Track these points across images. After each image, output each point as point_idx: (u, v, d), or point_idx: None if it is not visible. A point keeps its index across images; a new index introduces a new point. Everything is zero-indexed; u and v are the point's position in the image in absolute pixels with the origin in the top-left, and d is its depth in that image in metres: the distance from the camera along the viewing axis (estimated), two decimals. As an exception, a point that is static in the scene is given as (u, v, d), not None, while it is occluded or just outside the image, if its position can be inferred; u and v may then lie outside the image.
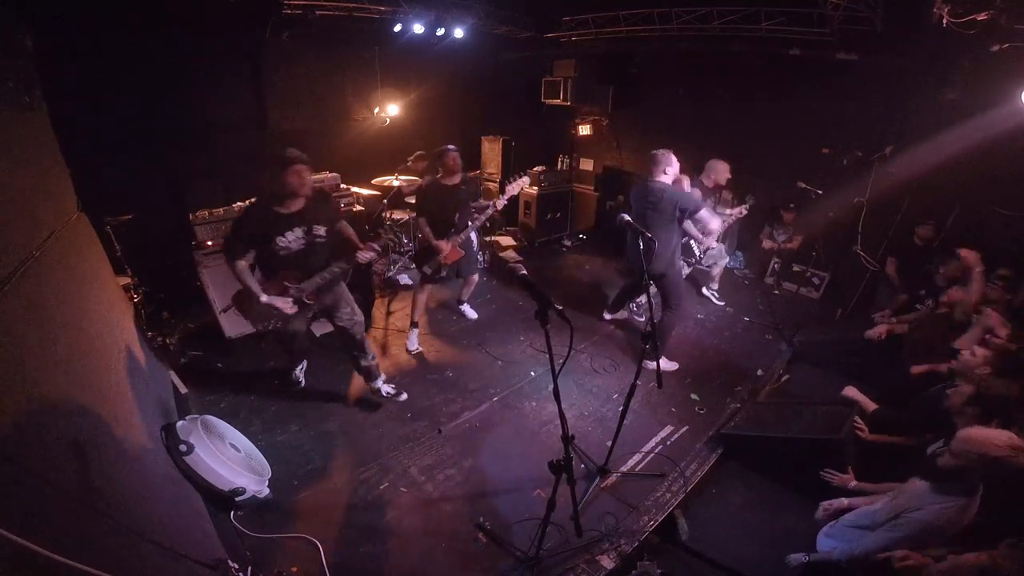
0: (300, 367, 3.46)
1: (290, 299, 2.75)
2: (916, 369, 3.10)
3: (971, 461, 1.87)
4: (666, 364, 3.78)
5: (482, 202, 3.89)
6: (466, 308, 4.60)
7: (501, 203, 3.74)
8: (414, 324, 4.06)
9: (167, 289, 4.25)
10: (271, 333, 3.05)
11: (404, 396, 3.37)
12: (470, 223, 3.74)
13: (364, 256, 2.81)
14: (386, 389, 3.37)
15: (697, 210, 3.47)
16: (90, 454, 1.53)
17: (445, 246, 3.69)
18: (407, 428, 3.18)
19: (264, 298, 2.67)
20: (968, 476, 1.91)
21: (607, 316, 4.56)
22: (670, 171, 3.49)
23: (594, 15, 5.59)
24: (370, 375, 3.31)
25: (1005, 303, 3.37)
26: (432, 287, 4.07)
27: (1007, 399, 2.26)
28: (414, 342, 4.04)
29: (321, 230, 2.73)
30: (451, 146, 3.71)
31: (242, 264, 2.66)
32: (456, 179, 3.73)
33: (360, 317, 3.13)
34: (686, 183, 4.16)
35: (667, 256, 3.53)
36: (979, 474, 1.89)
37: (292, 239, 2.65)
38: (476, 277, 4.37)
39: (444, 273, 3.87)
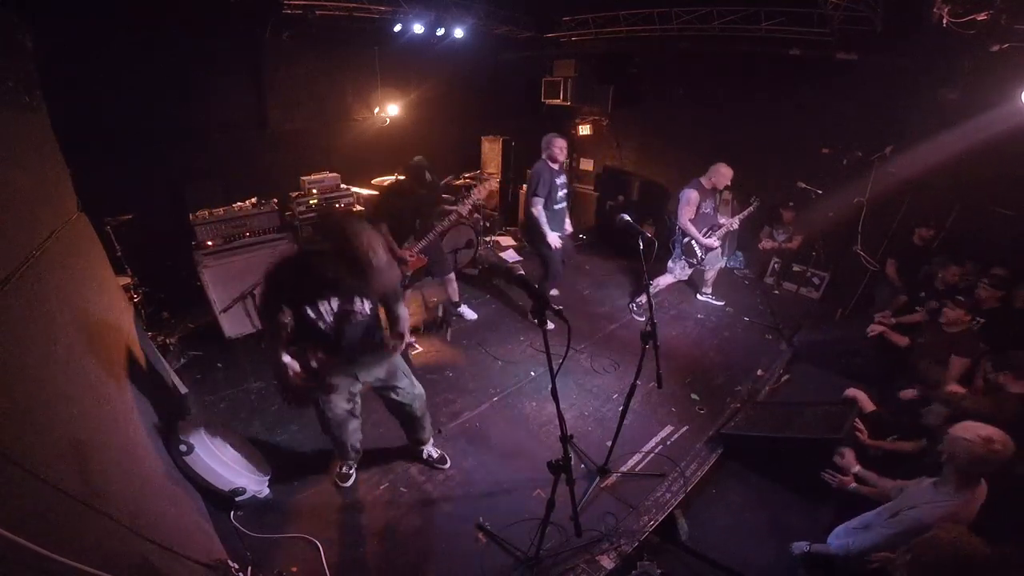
0: (352, 458, 2.76)
1: (301, 374, 2.10)
2: (905, 394, 3.12)
3: (950, 447, 1.92)
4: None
5: (447, 207, 3.82)
6: (464, 309, 4.56)
7: (465, 209, 3.70)
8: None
9: (167, 289, 4.25)
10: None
11: (448, 464, 2.92)
12: (433, 230, 3.67)
13: (399, 346, 2.27)
14: (429, 452, 2.94)
15: (532, 194, 4.06)
16: (90, 454, 1.53)
17: (406, 254, 3.61)
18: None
19: (286, 359, 2.05)
20: (955, 466, 1.93)
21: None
22: (544, 154, 4.09)
23: (594, 15, 5.59)
24: (421, 443, 2.92)
25: (998, 301, 3.38)
26: (424, 288, 4.14)
27: (979, 412, 2.29)
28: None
29: (365, 304, 2.14)
30: (423, 163, 3.71)
31: (278, 322, 2.07)
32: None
33: (421, 390, 2.67)
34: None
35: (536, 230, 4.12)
36: (972, 469, 1.89)
37: (327, 310, 2.07)
38: (453, 276, 4.34)
39: (406, 282, 3.76)
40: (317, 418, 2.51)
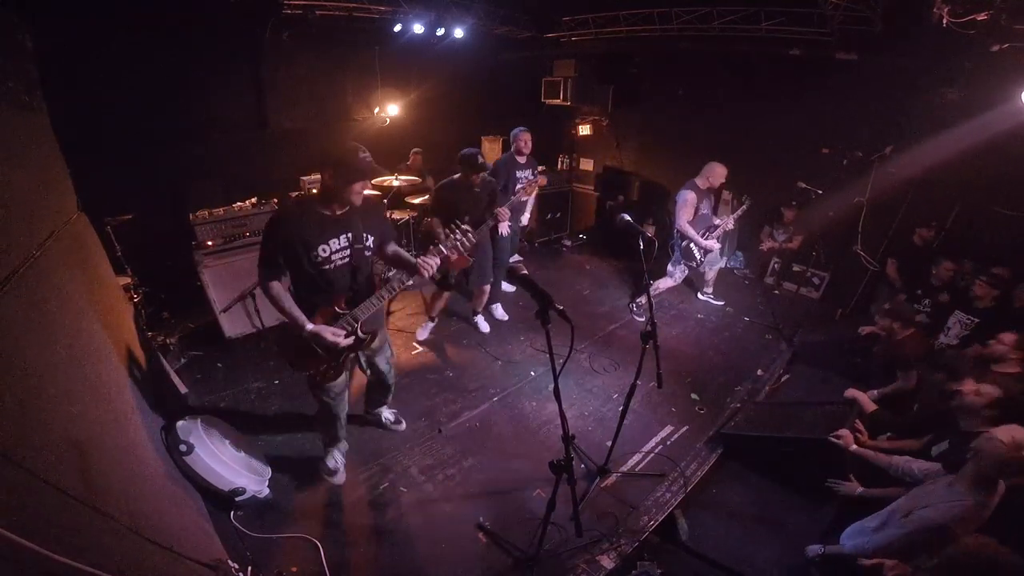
0: (341, 447, 2.77)
1: (342, 331, 2.19)
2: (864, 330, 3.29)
3: (982, 444, 1.88)
4: (501, 314, 4.60)
5: (496, 210, 3.54)
6: (479, 320, 4.37)
7: (505, 214, 3.51)
8: (432, 319, 4.13)
9: (167, 289, 4.25)
10: (316, 387, 2.44)
11: (404, 425, 3.17)
12: (478, 230, 3.39)
13: (430, 264, 2.20)
14: (387, 416, 3.16)
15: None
16: (90, 454, 1.53)
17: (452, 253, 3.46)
18: (407, 428, 3.18)
19: (309, 327, 2.11)
20: (978, 465, 1.90)
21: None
22: (512, 147, 4.42)
23: (594, 15, 5.59)
24: (380, 405, 3.13)
25: (993, 300, 3.38)
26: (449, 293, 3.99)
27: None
28: (424, 333, 4.14)
29: (370, 240, 2.26)
30: (475, 150, 3.52)
31: (277, 286, 2.13)
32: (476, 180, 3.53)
33: (395, 358, 2.88)
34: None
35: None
36: (993, 472, 1.88)
37: (336, 249, 2.16)
38: (488, 288, 4.13)
39: (452, 280, 3.77)
40: (313, 394, 2.49)
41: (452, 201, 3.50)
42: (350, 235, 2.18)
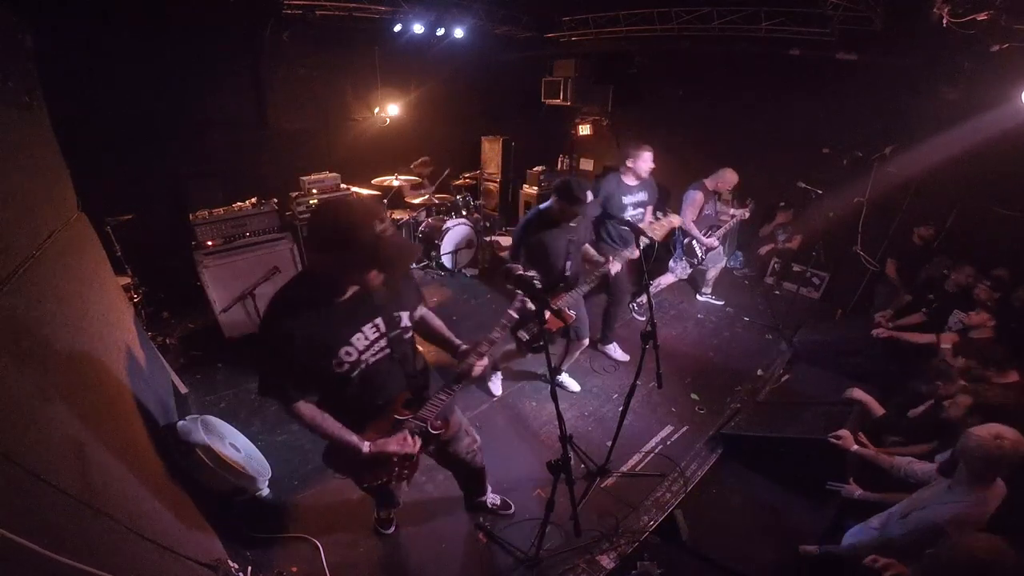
0: (397, 505, 2.39)
1: (407, 434, 1.73)
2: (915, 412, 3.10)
3: (964, 443, 1.89)
4: (619, 354, 4.03)
5: (591, 251, 2.85)
6: (564, 379, 3.64)
7: (615, 266, 2.75)
8: (496, 369, 3.50)
9: (167, 289, 4.26)
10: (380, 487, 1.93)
11: (512, 509, 2.61)
12: (583, 279, 2.81)
13: (479, 364, 1.75)
14: (493, 501, 2.60)
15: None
16: (90, 454, 1.53)
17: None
18: (407, 428, 3.18)
19: (367, 447, 1.64)
20: (966, 464, 1.90)
21: (602, 348, 4.05)
22: (625, 164, 3.75)
23: (594, 15, 5.59)
24: (480, 495, 2.58)
25: (995, 302, 3.37)
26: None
27: (1005, 403, 2.28)
28: (497, 387, 3.55)
29: (404, 318, 1.68)
30: (574, 180, 2.75)
31: (308, 407, 1.61)
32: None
33: (480, 442, 2.30)
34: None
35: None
36: (982, 467, 1.87)
37: (366, 345, 1.56)
38: (587, 341, 3.36)
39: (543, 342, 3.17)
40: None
41: (544, 245, 2.71)
42: (380, 320, 1.58)
